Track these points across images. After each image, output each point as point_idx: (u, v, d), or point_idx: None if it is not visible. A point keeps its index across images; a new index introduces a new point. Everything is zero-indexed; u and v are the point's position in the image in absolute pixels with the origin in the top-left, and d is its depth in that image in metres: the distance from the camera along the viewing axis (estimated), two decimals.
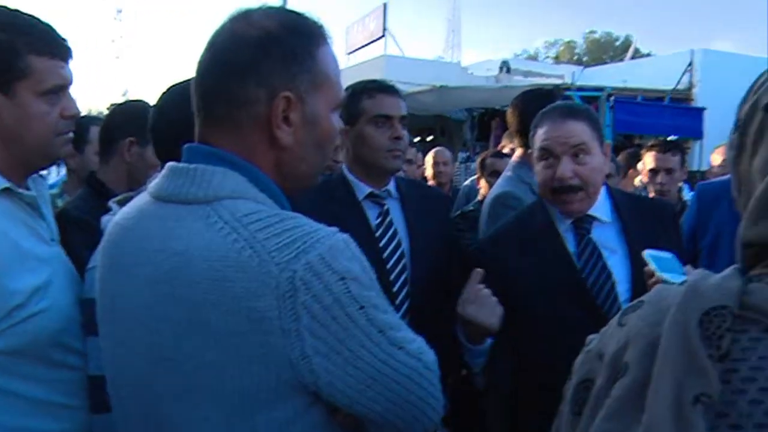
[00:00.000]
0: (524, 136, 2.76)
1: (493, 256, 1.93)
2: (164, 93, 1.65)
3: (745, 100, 0.78)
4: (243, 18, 1.09)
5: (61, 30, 1.50)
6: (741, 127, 0.77)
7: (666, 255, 1.64)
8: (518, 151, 2.93)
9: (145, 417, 1.07)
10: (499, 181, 2.92)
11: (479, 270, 1.82)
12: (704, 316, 0.66)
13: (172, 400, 1.01)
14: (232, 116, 1.07)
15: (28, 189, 1.52)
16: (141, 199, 1.16)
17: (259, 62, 1.06)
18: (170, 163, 1.11)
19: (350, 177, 2.17)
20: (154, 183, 1.13)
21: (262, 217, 1.01)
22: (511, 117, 2.96)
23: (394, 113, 2.12)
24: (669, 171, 3.72)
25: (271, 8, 1.13)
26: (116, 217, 1.19)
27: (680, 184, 3.99)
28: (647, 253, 1.65)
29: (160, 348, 1.01)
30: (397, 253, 2.10)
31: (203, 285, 0.96)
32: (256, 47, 1.06)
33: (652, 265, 1.60)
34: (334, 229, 1.04)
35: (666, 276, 1.53)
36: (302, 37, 1.09)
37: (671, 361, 0.65)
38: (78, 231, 1.78)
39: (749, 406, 0.62)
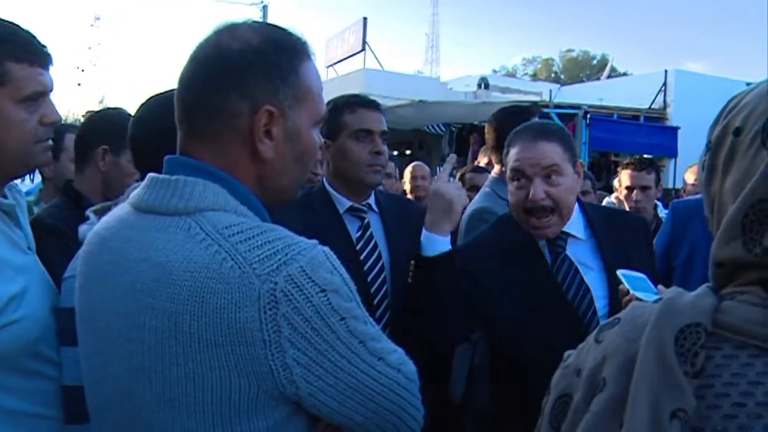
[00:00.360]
0: (501, 152, 2.80)
1: (471, 264, 1.92)
2: (144, 103, 1.64)
3: (716, 123, 0.80)
4: (228, 31, 1.10)
5: (38, 36, 1.49)
6: (712, 149, 0.79)
7: (639, 275, 1.67)
8: (495, 168, 2.96)
9: (125, 428, 1.06)
10: (477, 196, 2.94)
11: (453, 156, 1.86)
12: (679, 333, 0.68)
13: (153, 410, 1.01)
14: (214, 129, 1.08)
15: (5, 197, 1.50)
16: (121, 210, 1.16)
17: (243, 75, 1.06)
18: (151, 174, 1.11)
19: (331, 190, 2.18)
20: (135, 193, 1.13)
21: (244, 229, 1.01)
22: (488, 133, 2.98)
23: (375, 128, 2.13)
24: (644, 188, 3.78)
25: (256, 23, 1.14)
26: (96, 227, 1.19)
27: (655, 201, 4.04)
28: (621, 273, 1.68)
29: (140, 357, 1.00)
30: (378, 266, 2.11)
31: (184, 296, 0.96)
32: (239, 60, 1.06)
33: (626, 284, 1.63)
34: (315, 241, 1.04)
35: (639, 294, 1.56)
36: (286, 52, 1.10)
37: (648, 377, 0.66)
38: (51, 238, 1.76)
39: (723, 420, 0.64)
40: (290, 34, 1.14)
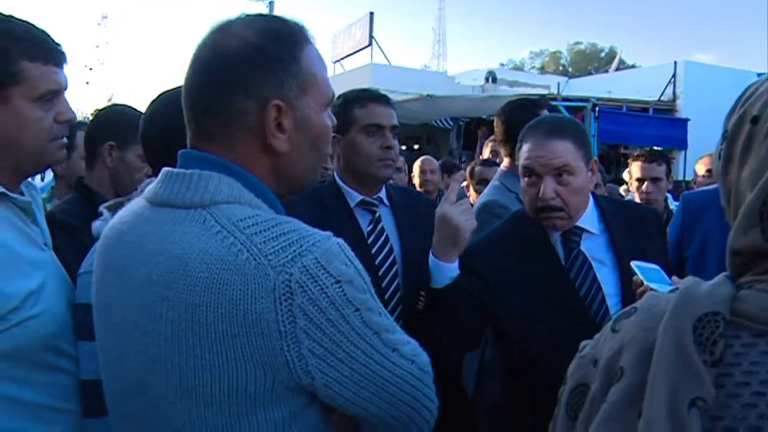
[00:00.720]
0: (510, 145, 2.79)
1: (482, 263, 1.91)
2: (154, 100, 1.65)
3: (732, 111, 0.80)
4: (223, 30, 1.10)
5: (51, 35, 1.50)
6: (729, 138, 0.79)
7: (652, 266, 1.66)
8: (505, 161, 2.95)
9: (142, 420, 1.08)
10: (486, 189, 2.94)
11: (462, 172, 1.85)
12: (697, 322, 0.68)
13: (170, 401, 1.02)
14: (223, 129, 1.08)
15: (21, 194, 1.52)
16: (137, 204, 1.16)
17: (245, 73, 1.06)
18: (166, 168, 1.12)
19: (342, 184, 2.18)
20: (150, 188, 1.14)
21: (259, 221, 1.02)
22: (497, 126, 2.98)
23: (386, 123, 2.13)
24: (655, 180, 3.76)
25: (250, 17, 1.13)
26: (112, 221, 1.19)
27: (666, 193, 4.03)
28: (635, 264, 1.66)
29: (157, 349, 1.01)
30: (389, 260, 2.11)
31: (200, 288, 0.97)
32: (239, 58, 1.06)
33: (639, 276, 1.62)
34: (329, 233, 1.05)
35: (653, 285, 1.55)
36: (285, 43, 1.10)
37: (666, 366, 0.66)
38: (63, 235, 1.77)
39: (743, 409, 0.64)
40: (286, 22, 1.13)
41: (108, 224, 1.20)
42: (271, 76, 1.07)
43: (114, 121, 2.24)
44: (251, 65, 1.06)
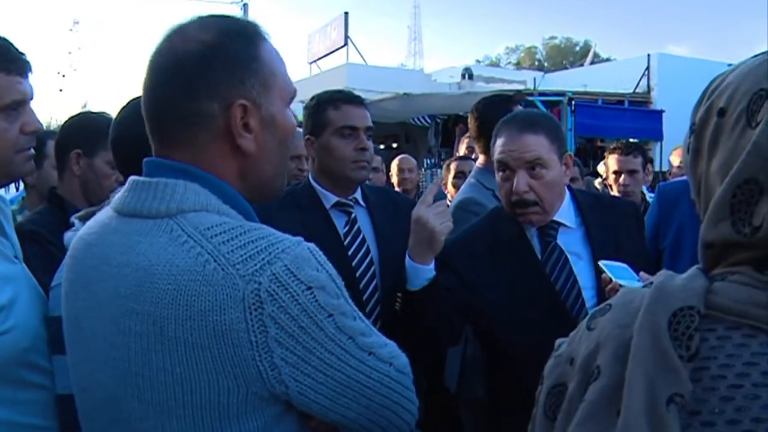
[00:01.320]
0: (485, 142, 2.80)
1: (459, 260, 1.92)
2: (124, 106, 1.63)
3: (699, 104, 0.80)
4: (178, 34, 1.07)
5: (17, 43, 1.47)
6: (696, 131, 0.78)
7: (620, 265, 1.69)
8: (480, 158, 2.95)
9: None
10: (462, 187, 2.94)
11: (439, 178, 1.85)
12: (672, 317, 0.68)
13: (141, 417, 1.00)
14: (188, 134, 1.06)
15: None
16: (104, 214, 1.14)
17: (205, 76, 1.04)
18: (132, 177, 1.10)
19: (317, 186, 2.17)
20: (117, 198, 1.12)
21: (226, 229, 1.00)
22: (471, 123, 2.98)
23: (360, 124, 2.12)
24: (631, 172, 3.79)
25: (203, 18, 1.10)
26: (80, 232, 1.17)
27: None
28: (603, 263, 1.69)
29: (127, 363, 0.99)
30: (366, 261, 2.10)
31: (167, 300, 0.95)
32: (198, 62, 1.04)
33: (608, 274, 1.64)
34: (299, 238, 1.03)
35: (622, 282, 1.57)
36: (242, 41, 1.07)
37: (643, 362, 0.66)
38: (30, 244, 1.74)
39: (720, 402, 0.63)
40: (240, 21, 1.12)
41: (76, 235, 1.18)
42: (233, 77, 1.05)
43: (80, 128, 2.22)
44: (211, 67, 1.04)
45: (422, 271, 1.79)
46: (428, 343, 1.83)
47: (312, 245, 1.03)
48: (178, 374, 0.96)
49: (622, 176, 3.78)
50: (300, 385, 0.98)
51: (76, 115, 2.37)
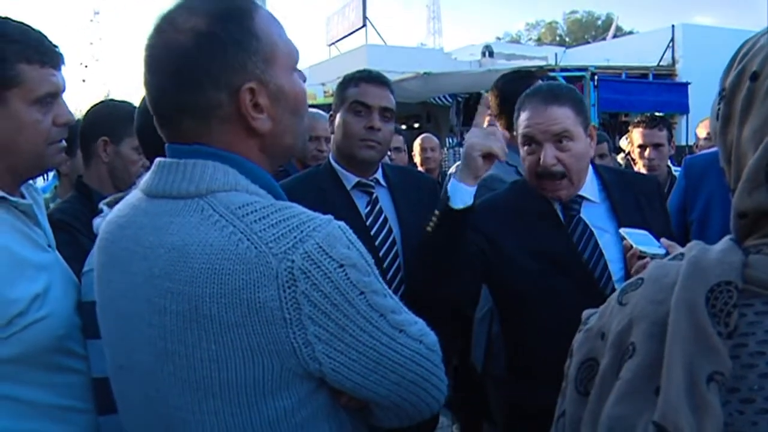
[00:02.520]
0: (507, 119, 2.77)
1: (488, 222, 1.89)
2: None
3: (729, 69, 0.77)
4: (168, 24, 1.05)
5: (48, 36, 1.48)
6: (727, 96, 0.76)
7: (641, 231, 1.67)
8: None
9: (151, 413, 1.08)
10: None
11: (486, 96, 1.86)
12: (710, 293, 0.66)
13: (178, 393, 1.02)
14: (201, 125, 1.06)
15: (22, 197, 1.51)
16: (133, 197, 1.15)
17: (208, 67, 1.03)
18: (159, 159, 1.11)
19: (337, 167, 2.16)
20: (145, 179, 1.13)
21: (258, 208, 1.01)
22: (492, 101, 2.95)
23: (374, 103, 2.09)
24: (657, 146, 3.73)
25: (189, 3, 1.06)
26: (110, 215, 1.19)
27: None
28: (623, 230, 1.68)
29: (164, 342, 1.01)
30: (389, 241, 2.10)
31: (202, 279, 0.96)
32: (195, 53, 1.02)
33: (629, 240, 1.63)
34: (330, 217, 1.04)
35: (643, 248, 1.56)
36: (236, 20, 1.05)
37: (681, 341, 0.65)
38: (58, 233, 1.77)
39: (759, 379, 0.62)
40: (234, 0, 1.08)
41: (106, 219, 1.20)
42: (234, 62, 1.04)
43: (105, 116, 2.25)
44: (211, 57, 1.02)
45: (462, 192, 1.76)
46: (446, 276, 1.80)
47: (342, 223, 1.04)
48: (213, 352, 0.97)
49: (648, 150, 3.72)
50: (333, 362, 0.99)
51: (98, 104, 2.40)
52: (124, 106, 2.26)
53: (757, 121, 0.71)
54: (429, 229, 1.80)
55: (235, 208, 1.00)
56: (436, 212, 1.79)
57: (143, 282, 1.03)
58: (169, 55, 1.04)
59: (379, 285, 1.05)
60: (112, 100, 2.45)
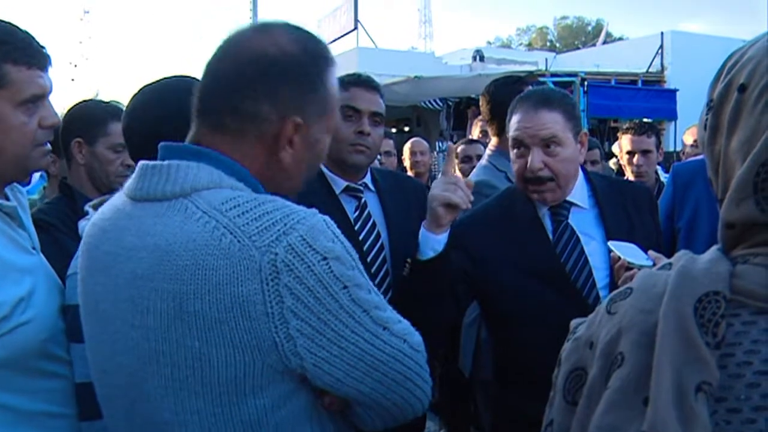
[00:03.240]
0: (497, 124, 2.78)
1: (469, 238, 1.91)
2: (135, 94, 1.62)
3: (716, 80, 0.78)
4: (264, 33, 1.12)
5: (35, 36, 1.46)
6: (715, 107, 0.76)
7: (629, 245, 1.68)
8: (492, 140, 2.93)
9: (133, 415, 1.07)
10: (475, 169, 2.92)
11: (451, 145, 1.87)
12: (698, 302, 0.66)
13: (162, 395, 1.02)
14: (239, 127, 1.09)
15: (7, 199, 1.49)
16: (117, 199, 1.16)
17: (278, 84, 1.08)
18: (141, 162, 1.12)
19: (326, 171, 2.15)
20: (128, 183, 1.13)
21: (240, 202, 1.02)
22: (483, 106, 2.96)
23: (363, 107, 2.08)
24: (645, 152, 3.75)
25: (288, 26, 1.15)
26: (93, 218, 1.19)
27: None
28: (611, 243, 1.68)
29: (147, 342, 1.01)
30: (377, 246, 2.09)
31: (186, 275, 0.97)
32: (276, 68, 1.08)
33: (616, 252, 1.64)
34: (314, 210, 1.05)
35: (631, 260, 1.57)
36: (318, 64, 1.13)
37: (670, 350, 0.65)
38: (39, 233, 1.77)
39: (746, 389, 0.63)
40: (318, 40, 1.17)
41: (90, 222, 1.20)
42: (300, 94, 1.10)
43: (78, 118, 2.23)
44: (286, 77, 1.09)
45: (430, 241, 1.77)
46: (428, 313, 1.82)
47: (327, 217, 1.05)
48: (196, 349, 0.97)
49: (636, 156, 3.74)
50: (314, 357, 0.99)
51: (74, 106, 2.39)
52: (97, 105, 2.27)
53: (745, 133, 0.71)
54: (405, 274, 1.84)
55: (218, 204, 1.01)
56: (408, 260, 1.83)
57: (126, 284, 1.03)
58: (251, 56, 1.09)
59: (363, 280, 1.06)
60: (86, 100, 2.44)
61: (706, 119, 0.78)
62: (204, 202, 1.02)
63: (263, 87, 1.07)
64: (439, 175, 1.81)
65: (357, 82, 2.13)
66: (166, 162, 1.07)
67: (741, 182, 0.70)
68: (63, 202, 2.16)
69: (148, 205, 1.07)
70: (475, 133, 4.58)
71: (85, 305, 1.16)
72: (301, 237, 0.98)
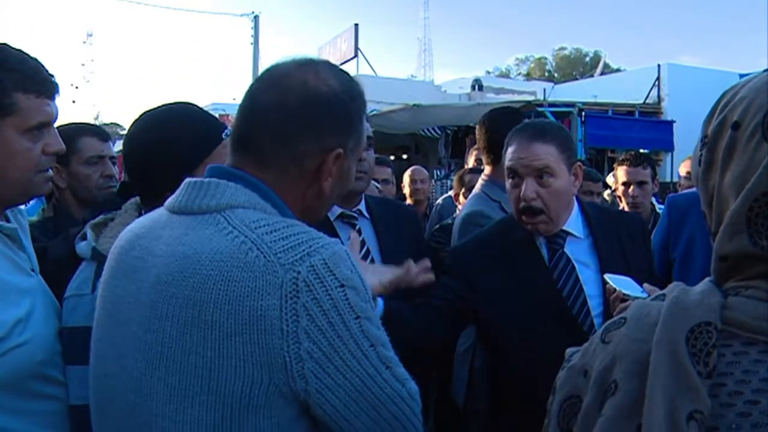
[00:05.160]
0: (492, 153, 2.80)
1: (466, 265, 1.94)
2: (136, 120, 1.65)
3: (710, 117, 0.80)
4: (312, 70, 1.15)
5: (32, 55, 1.48)
6: (709, 144, 0.79)
7: (624, 278, 1.71)
8: (487, 169, 2.95)
9: (131, 424, 1.08)
10: (469, 200, 2.94)
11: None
12: (690, 333, 0.68)
13: (165, 401, 1.02)
14: (280, 161, 1.13)
15: (7, 221, 1.50)
16: (157, 212, 1.20)
17: (324, 120, 1.13)
18: (188, 179, 1.16)
19: None
20: (171, 198, 1.17)
21: (270, 222, 1.06)
22: (479, 135, 2.99)
23: None
24: (641, 184, 3.77)
25: (333, 66, 1.21)
26: (131, 227, 1.23)
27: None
28: (607, 276, 1.72)
29: (159, 347, 1.03)
30: None
31: (209, 285, 0.99)
32: (324, 105, 1.13)
33: (612, 285, 1.66)
34: (336, 239, 1.08)
35: (627, 292, 1.58)
36: (358, 103, 1.20)
37: (662, 379, 0.66)
38: None
39: (737, 418, 0.64)
40: (358, 83, 1.22)
41: (126, 229, 1.24)
42: (343, 130, 1.16)
43: None
44: (331, 114, 1.14)
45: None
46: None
47: (346, 248, 1.08)
48: (208, 358, 0.99)
49: (632, 187, 3.76)
50: (319, 382, 1.00)
51: None
52: (60, 129, 2.30)
53: (739, 168, 0.73)
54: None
55: (249, 222, 1.05)
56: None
57: (149, 288, 1.06)
58: (301, 91, 1.13)
59: (374, 314, 1.07)
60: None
61: (701, 155, 0.80)
62: (236, 218, 1.06)
63: (310, 123, 1.12)
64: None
65: None
66: (207, 179, 1.12)
67: (734, 216, 0.72)
68: (51, 221, 2.22)
69: (184, 217, 1.11)
70: (470, 161, 4.61)
71: (102, 306, 1.18)
72: (323, 260, 1.01)
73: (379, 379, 1.05)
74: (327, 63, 1.20)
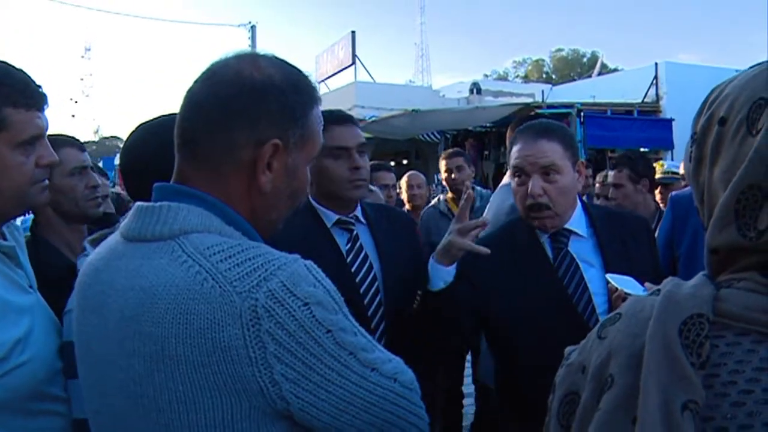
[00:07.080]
0: None
1: (473, 267, 1.95)
2: (132, 132, 1.65)
3: (699, 114, 0.82)
4: (250, 60, 1.12)
5: (30, 70, 1.48)
6: (698, 140, 0.81)
7: (626, 278, 1.72)
8: None
9: None
10: (499, 189, 3.03)
11: (470, 192, 1.96)
12: (683, 325, 0.69)
13: None
14: (216, 156, 1.09)
15: (4, 238, 1.50)
16: (113, 239, 1.17)
17: (258, 110, 1.08)
18: (138, 203, 1.12)
19: (317, 206, 2.17)
20: (124, 223, 1.14)
21: (225, 248, 1.02)
22: (509, 138, 3.07)
23: (351, 144, 2.12)
24: (616, 186, 3.91)
25: (276, 58, 1.16)
26: (90, 257, 1.20)
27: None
28: (609, 276, 1.72)
29: (133, 384, 1.00)
30: (370, 277, 2.11)
31: (168, 319, 0.97)
32: (259, 94, 1.08)
33: (614, 284, 1.67)
34: (296, 256, 1.05)
35: (628, 291, 1.59)
36: (302, 95, 1.13)
37: (656, 371, 0.67)
38: None
39: (732, 408, 0.65)
40: (306, 77, 1.17)
41: (86, 261, 1.21)
42: (280, 121, 1.10)
43: None
44: (267, 104, 1.08)
45: (441, 273, 1.87)
46: (438, 344, 1.87)
47: (309, 262, 1.05)
48: (181, 393, 0.97)
49: (610, 190, 3.91)
50: (301, 401, 0.98)
51: None
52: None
53: (726, 162, 0.75)
54: (415, 306, 1.92)
55: (203, 249, 1.01)
56: (419, 293, 1.91)
57: (115, 325, 1.03)
58: (233, 81, 1.08)
59: (347, 323, 1.05)
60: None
61: (691, 151, 0.82)
62: (190, 245, 1.02)
63: (243, 113, 1.07)
64: (455, 222, 1.91)
65: (335, 120, 2.12)
66: (158, 204, 1.08)
67: (723, 209, 0.73)
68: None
69: (139, 245, 1.07)
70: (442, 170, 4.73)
71: (79, 344, 1.16)
72: (281, 283, 0.98)
73: (367, 384, 1.04)
74: (272, 56, 1.15)
